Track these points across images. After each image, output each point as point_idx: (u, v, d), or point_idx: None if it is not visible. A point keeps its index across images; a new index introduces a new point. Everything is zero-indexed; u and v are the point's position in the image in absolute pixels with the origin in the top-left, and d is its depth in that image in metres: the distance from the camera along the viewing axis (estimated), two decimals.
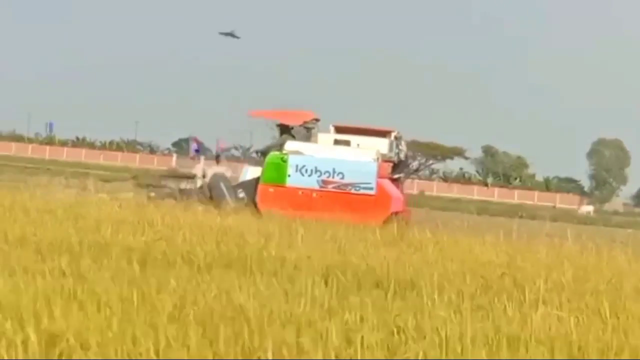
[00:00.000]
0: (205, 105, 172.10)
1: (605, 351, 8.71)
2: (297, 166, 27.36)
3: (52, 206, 18.87)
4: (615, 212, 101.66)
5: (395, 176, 29.12)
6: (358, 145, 28.49)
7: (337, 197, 26.95)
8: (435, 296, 10.70)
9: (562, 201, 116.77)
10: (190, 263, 12.41)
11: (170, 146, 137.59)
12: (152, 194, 27.56)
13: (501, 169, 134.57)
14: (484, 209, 61.48)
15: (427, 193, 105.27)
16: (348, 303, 9.83)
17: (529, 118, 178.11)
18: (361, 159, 27.49)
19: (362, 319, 9.02)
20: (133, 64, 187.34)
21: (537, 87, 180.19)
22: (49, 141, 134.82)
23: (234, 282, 10.50)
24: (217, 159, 30.06)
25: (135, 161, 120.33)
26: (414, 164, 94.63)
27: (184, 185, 28.47)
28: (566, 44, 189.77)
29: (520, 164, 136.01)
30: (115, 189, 29.10)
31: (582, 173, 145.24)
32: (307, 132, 29.41)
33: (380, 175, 27.55)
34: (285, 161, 27.47)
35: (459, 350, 8.26)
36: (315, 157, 27.50)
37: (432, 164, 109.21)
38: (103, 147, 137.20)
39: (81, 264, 11.35)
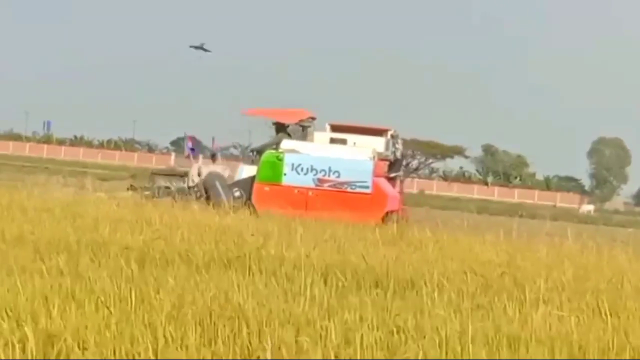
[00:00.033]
0: (205, 105, 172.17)
1: (605, 351, 8.69)
2: (293, 165, 27.30)
3: (49, 205, 18.84)
4: (616, 211, 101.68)
5: (392, 175, 29.09)
6: (354, 143, 28.44)
7: (333, 195, 26.90)
8: (435, 295, 10.67)
9: (562, 200, 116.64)
10: (188, 262, 12.37)
11: (168, 145, 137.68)
12: (147, 193, 27.48)
13: (501, 168, 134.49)
14: (484, 208, 61.43)
15: (427, 192, 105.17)
16: (347, 302, 9.80)
17: (529, 117, 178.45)
18: (357, 158, 27.43)
19: (361, 318, 8.99)
20: (131, 64, 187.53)
21: (537, 87, 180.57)
22: (47, 140, 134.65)
23: (232, 282, 10.47)
24: (213, 157, 29.93)
25: (134, 160, 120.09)
26: (414, 163, 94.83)
27: (175, 183, 28.30)
28: (566, 44, 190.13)
29: (521, 162, 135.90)
30: (113, 188, 29.05)
31: (582, 172, 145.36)
32: (303, 131, 29.34)
33: (376, 174, 27.50)
34: (281, 160, 27.40)
35: (458, 349, 8.23)
36: (311, 156, 27.44)
37: (432, 162, 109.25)
38: (101, 145, 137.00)
39: (79, 263, 11.34)
